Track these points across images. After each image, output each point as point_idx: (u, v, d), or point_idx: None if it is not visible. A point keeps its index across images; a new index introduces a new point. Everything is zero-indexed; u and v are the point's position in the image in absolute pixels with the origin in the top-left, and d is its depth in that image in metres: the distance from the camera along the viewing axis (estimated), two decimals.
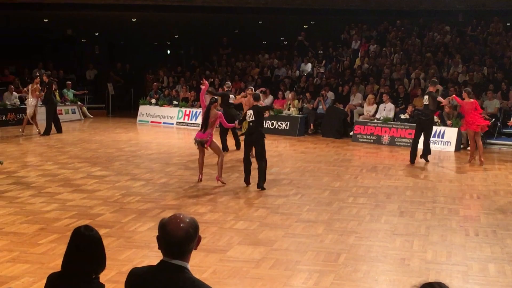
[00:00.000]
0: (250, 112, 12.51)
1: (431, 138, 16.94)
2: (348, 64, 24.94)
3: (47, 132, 19.96)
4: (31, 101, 20.26)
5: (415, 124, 17.92)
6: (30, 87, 20.60)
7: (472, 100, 15.88)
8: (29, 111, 20.26)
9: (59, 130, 20.28)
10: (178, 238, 3.24)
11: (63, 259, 3.74)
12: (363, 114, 20.68)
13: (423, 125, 15.81)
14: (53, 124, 20.24)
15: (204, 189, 12.27)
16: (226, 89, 17.97)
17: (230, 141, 17.41)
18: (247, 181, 12.62)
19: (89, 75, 31.04)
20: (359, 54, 25.64)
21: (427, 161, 15.94)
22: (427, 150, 15.92)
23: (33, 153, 16.85)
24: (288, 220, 9.89)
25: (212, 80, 25.30)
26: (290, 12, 27.70)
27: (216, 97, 13.21)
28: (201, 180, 12.86)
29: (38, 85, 20.53)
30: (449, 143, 17.99)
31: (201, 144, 12.64)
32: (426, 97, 15.68)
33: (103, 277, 3.85)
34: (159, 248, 3.31)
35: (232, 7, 27.24)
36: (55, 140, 18.46)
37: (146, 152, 17.17)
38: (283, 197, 11.55)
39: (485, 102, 19.73)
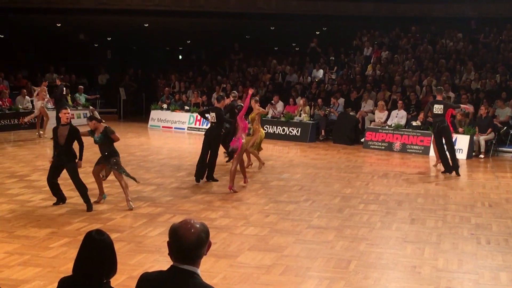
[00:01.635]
0: (213, 114, 13.35)
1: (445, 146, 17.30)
2: (360, 70, 24.90)
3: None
4: (36, 103, 20.91)
5: (427, 132, 18.02)
6: (37, 89, 21.11)
7: None
8: (36, 113, 20.93)
9: None
10: (189, 243, 3.24)
11: (74, 263, 3.74)
12: (374, 120, 20.64)
13: (442, 133, 15.17)
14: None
15: (215, 194, 12.27)
16: (232, 99, 16.55)
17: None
18: (197, 178, 13.28)
19: (101, 79, 31.16)
20: (371, 61, 25.62)
21: (458, 173, 15.15)
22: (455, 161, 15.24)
23: (45, 156, 16.90)
24: (299, 227, 9.87)
25: (224, 85, 25.35)
26: (302, 18, 27.73)
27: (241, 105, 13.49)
28: (246, 183, 13.12)
29: (45, 87, 20.96)
30: (461, 150, 17.90)
31: (233, 152, 12.79)
32: (441, 106, 15.09)
33: (113, 282, 3.85)
34: (169, 254, 3.31)
35: (243, 12, 27.30)
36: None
37: (157, 157, 17.20)
38: (293, 203, 11.53)
39: (496, 110, 19.65)
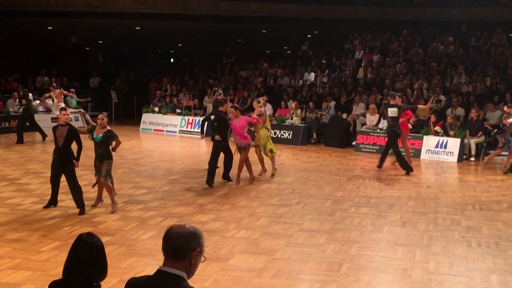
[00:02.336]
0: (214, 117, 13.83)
1: (434, 149, 18.13)
2: (351, 73, 24.95)
3: (19, 141, 19.96)
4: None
5: (418, 135, 18.35)
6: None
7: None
8: None
9: (20, 140, 19.96)
10: (172, 234, 3.32)
11: (64, 266, 3.73)
12: (365, 123, 20.68)
13: (395, 136, 15.71)
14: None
15: (206, 197, 12.26)
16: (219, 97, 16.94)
17: None
18: (209, 182, 13.38)
19: (93, 82, 31.09)
20: (362, 64, 25.67)
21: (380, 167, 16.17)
22: (384, 159, 16.18)
23: (36, 160, 16.87)
24: (290, 230, 9.88)
25: (216, 88, 25.32)
26: (294, 22, 27.78)
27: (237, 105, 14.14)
28: (238, 183, 13.63)
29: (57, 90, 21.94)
30: (451, 153, 17.97)
31: (243, 148, 13.64)
32: (395, 109, 15.54)
33: (104, 285, 3.85)
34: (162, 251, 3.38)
35: (235, 16, 27.34)
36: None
37: (149, 160, 17.18)
38: (285, 206, 11.54)
39: (487, 113, 19.71)
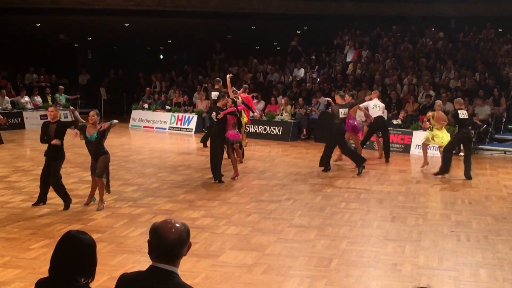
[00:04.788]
0: (214, 113, 13.74)
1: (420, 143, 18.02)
2: (341, 69, 24.97)
3: None
4: None
5: (408, 130, 18.43)
6: None
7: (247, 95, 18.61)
8: None
9: None
10: (170, 242, 3.25)
11: (50, 263, 3.66)
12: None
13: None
14: None
15: (196, 194, 12.25)
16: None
17: None
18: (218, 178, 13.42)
19: (82, 79, 30.96)
20: (352, 59, 25.69)
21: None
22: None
23: (25, 157, 16.80)
24: (280, 225, 9.89)
25: (205, 85, 25.30)
26: (283, 18, 27.77)
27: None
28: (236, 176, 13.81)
29: None
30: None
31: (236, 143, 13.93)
32: (217, 93, 16.96)
33: (94, 282, 3.82)
34: (149, 252, 3.32)
35: (225, 12, 27.29)
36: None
37: (139, 157, 17.14)
38: (275, 202, 11.54)
39: (476, 108, 19.77)
